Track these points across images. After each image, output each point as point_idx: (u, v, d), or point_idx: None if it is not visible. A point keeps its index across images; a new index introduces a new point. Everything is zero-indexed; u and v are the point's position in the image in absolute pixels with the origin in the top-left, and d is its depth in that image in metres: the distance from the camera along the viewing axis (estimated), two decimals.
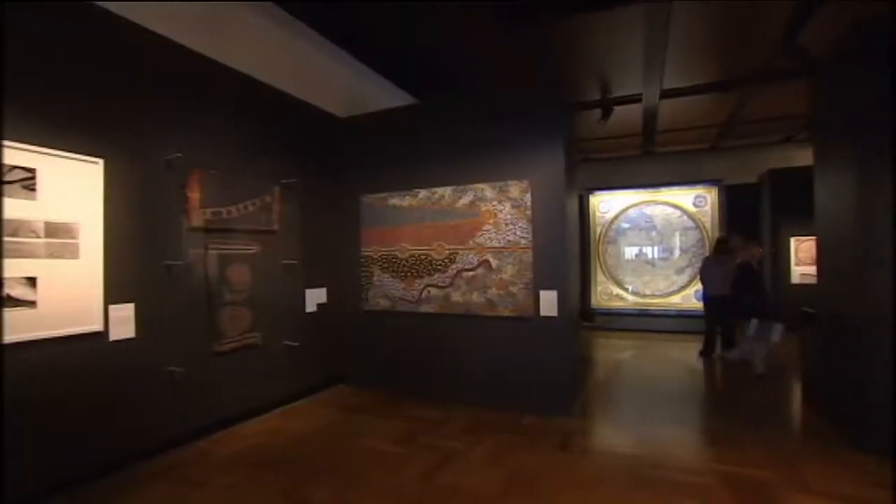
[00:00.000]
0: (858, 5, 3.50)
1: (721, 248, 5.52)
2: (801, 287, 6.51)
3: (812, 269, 4.00)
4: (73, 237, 2.43)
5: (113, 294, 2.60)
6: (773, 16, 4.02)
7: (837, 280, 3.24)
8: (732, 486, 2.40)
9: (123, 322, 2.67)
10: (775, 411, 3.66)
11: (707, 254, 6.03)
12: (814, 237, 3.75)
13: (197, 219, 3.03)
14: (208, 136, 3.22)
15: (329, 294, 4.39)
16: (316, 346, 4.20)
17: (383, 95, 5.45)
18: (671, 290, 7.37)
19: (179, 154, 2.93)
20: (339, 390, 4.30)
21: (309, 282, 4.12)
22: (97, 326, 2.52)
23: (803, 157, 3.70)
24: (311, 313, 4.16)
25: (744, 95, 5.75)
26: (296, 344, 3.91)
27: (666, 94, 5.54)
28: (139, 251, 2.76)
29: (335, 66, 4.79)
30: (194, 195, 3.02)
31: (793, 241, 6.84)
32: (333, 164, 4.46)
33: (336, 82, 4.84)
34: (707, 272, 5.48)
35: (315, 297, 4.21)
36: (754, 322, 5.03)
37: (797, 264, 6.78)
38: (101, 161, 2.54)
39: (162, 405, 2.87)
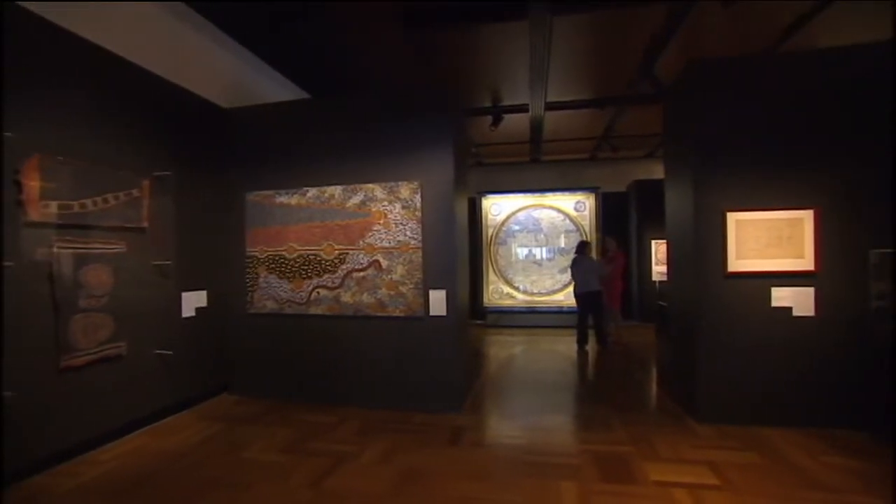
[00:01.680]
0: (694, 48, 4.23)
1: (581, 250, 6.10)
2: (659, 283, 7.50)
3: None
4: None
5: None
6: (635, 47, 4.65)
7: (679, 276, 3.79)
8: (600, 463, 2.70)
9: None
10: (638, 394, 4.14)
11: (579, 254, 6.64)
12: (665, 240, 4.37)
13: (37, 212, 2.59)
14: (55, 117, 2.75)
15: (210, 297, 4.05)
16: (194, 354, 3.84)
17: (272, 87, 5.20)
18: (556, 287, 8.01)
19: (9, 133, 2.46)
20: (221, 400, 3.99)
21: (186, 284, 3.77)
22: None
23: (661, 170, 4.32)
24: (188, 318, 3.79)
25: (615, 113, 6.49)
26: (169, 352, 3.56)
27: (550, 107, 6.06)
28: None
29: (218, 50, 4.49)
30: (33, 184, 2.57)
31: (653, 243, 7.82)
32: (215, 158, 4.11)
33: (219, 69, 4.52)
34: (574, 271, 6.06)
35: (193, 301, 3.86)
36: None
37: (657, 264, 7.75)
38: None
39: None
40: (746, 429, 3.14)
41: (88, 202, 2.96)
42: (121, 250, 3.22)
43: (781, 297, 3.21)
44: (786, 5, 3.81)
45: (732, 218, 3.27)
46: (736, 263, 3.24)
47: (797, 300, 3.18)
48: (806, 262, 3.16)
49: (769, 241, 3.20)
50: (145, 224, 3.40)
